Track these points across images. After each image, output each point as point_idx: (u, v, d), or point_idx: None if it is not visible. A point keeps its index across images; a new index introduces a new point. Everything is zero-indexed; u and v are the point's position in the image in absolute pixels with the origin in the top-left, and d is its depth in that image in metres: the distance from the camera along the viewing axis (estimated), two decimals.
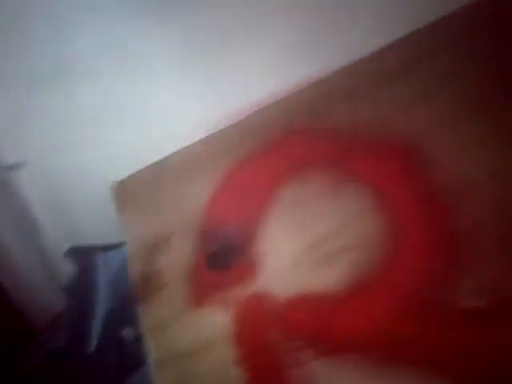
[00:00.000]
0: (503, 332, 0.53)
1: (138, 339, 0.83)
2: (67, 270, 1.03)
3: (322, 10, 0.83)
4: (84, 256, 0.98)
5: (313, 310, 0.63)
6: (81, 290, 0.98)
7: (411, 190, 0.68)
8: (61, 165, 0.88)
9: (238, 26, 0.83)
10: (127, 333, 0.94)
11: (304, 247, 0.67)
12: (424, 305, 0.58)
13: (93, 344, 0.95)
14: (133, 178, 0.87)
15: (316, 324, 0.62)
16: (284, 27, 0.85)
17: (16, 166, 0.84)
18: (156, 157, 0.87)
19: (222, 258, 0.71)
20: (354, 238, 0.66)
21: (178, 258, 0.74)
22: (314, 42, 0.86)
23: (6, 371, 0.97)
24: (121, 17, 0.76)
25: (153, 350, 0.68)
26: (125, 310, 0.93)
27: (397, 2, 0.81)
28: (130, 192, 0.86)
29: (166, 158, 0.87)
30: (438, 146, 0.70)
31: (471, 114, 0.71)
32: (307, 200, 0.71)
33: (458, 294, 0.57)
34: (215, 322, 0.66)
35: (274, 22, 0.84)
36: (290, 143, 0.79)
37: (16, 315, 1.06)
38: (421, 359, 0.55)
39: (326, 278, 0.64)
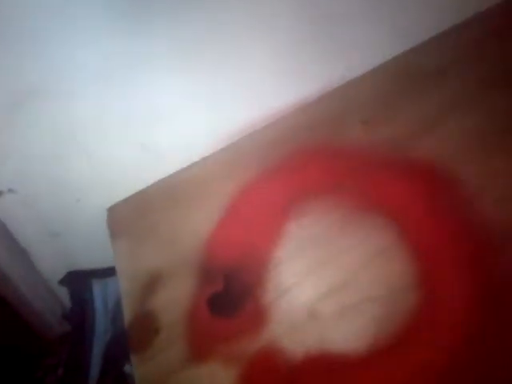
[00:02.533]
0: None
1: None
2: (66, 296, 0.94)
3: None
4: (80, 284, 0.89)
5: (331, 372, 0.52)
6: (78, 320, 0.89)
7: (441, 225, 0.57)
8: (51, 191, 0.79)
9: (249, 36, 0.75)
10: (129, 369, 0.85)
11: (321, 294, 0.56)
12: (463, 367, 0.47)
13: (93, 378, 0.86)
14: (126, 202, 0.77)
15: None
16: (298, 40, 0.77)
17: (3, 193, 0.76)
18: (150, 180, 0.77)
19: (227, 300, 0.61)
20: (376, 284, 0.55)
21: (175, 298, 0.64)
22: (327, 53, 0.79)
23: None
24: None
25: None
26: (126, 343, 0.82)
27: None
28: (123, 218, 0.76)
29: (162, 180, 0.77)
30: (469, 172, 0.59)
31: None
32: (322, 235, 0.60)
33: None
34: (217, 381, 0.55)
35: (286, 34, 0.76)
36: (301, 165, 0.68)
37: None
38: None
39: (345, 333, 0.54)
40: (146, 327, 0.63)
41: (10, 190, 0.77)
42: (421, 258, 0.55)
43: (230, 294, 0.61)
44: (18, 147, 0.73)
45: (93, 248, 0.86)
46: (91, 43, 0.67)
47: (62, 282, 0.91)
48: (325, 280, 0.57)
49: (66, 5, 0.63)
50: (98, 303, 0.89)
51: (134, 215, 0.75)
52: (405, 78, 0.75)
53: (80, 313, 0.88)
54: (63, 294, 0.96)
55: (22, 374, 0.93)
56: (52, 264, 0.92)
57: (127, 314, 0.66)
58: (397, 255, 0.57)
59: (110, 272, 0.89)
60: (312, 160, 0.69)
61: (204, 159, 0.79)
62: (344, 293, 0.56)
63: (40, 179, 0.78)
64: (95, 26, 0.66)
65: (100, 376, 0.87)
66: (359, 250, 0.58)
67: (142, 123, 0.77)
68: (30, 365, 0.94)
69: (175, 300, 0.63)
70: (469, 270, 0.53)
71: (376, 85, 0.78)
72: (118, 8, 0.65)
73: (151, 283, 0.66)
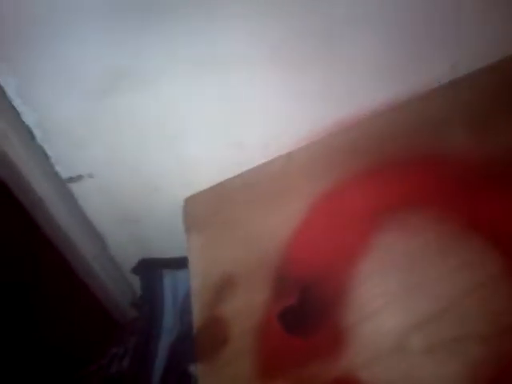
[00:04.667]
0: None
1: None
2: (137, 283, 0.93)
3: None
4: (151, 275, 0.87)
5: None
6: (147, 313, 0.87)
7: None
8: (130, 178, 0.77)
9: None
10: (193, 369, 0.82)
11: (410, 326, 0.48)
12: None
13: (157, 375, 0.83)
14: (204, 194, 0.73)
15: None
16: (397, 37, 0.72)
17: (84, 178, 0.75)
18: (231, 173, 0.72)
19: (302, 317, 0.55)
20: (478, 320, 0.46)
21: (246, 306, 0.59)
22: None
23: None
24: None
25: None
26: (192, 343, 0.79)
27: None
28: (199, 211, 0.72)
29: (243, 174, 0.71)
30: None
31: None
32: (417, 254, 0.52)
33: None
34: None
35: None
36: (396, 172, 0.60)
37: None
38: None
39: (436, 373, 0.46)
40: (214, 335, 0.59)
41: (90, 175, 0.76)
42: None
43: (305, 310, 0.55)
44: (101, 133, 0.71)
45: (168, 237, 0.84)
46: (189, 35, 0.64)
47: (135, 270, 0.90)
48: (417, 307, 0.50)
49: None
50: (168, 296, 0.86)
51: (210, 209, 0.71)
52: None
53: (149, 303, 0.86)
54: (135, 280, 0.94)
55: (87, 359, 0.92)
56: (126, 250, 0.91)
57: (196, 317, 0.62)
58: (506, 286, 0.48)
59: (182, 263, 0.86)
60: (409, 167, 0.61)
61: (288, 154, 0.73)
62: (439, 325, 0.48)
63: (120, 166, 0.76)
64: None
65: (164, 372, 0.84)
66: (461, 275, 0.50)
67: (228, 117, 0.73)
68: (97, 351, 0.93)
69: (246, 309, 0.58)
70: None
71: (483, 86, 0.68)
72: None
73: (223, 286, 0.61)
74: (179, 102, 0.71)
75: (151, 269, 0.88)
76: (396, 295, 0.51)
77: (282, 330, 0.54)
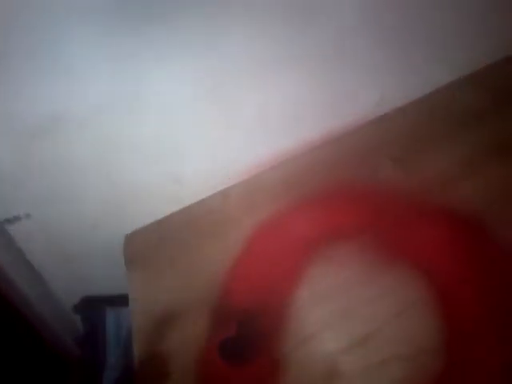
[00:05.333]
0: None
1: None
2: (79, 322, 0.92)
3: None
4: (93, 313, 0.87)
5: None
6: (89, 350, 0.86)
7: (477, 280, 0.52)
8: (67, 217, 0.78)
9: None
10: None
11: (342, 348, 0.52)
12: None
13: None
14: (144, 231, 0.74)
15: None
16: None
17: (21, 219, 0.75)
18: (171, 209, 0.74)
19: (240, 348, 0.57)
20: (403, 342, 0.50)
21: (187, 339, 0.60)
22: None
23: None
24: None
25: None
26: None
27: None
28: (140, 249, 0.73)
29: (182, 210, 0.74)
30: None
31: None
32: (347, 283, 0.56)
33: None
34: None
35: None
36: (327, 203, 0.64)
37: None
38: None
39: None
40: (156, 370, 0.60)
41: (27, 216, 0.75)
42: (453, 316, 0.51)
43: (243, 340, 0.57)
44: (35, 173, 0.71)
45: (109, 274, 0.84)
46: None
47: (76, 308, 0.89)
48: (347, 332, 0.53)
49: None
50: (110, 333, 0.86)
51: (151, 245, 0.72)
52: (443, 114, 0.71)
53: (92, 341, 0.86)
54: (77, 318, 0.93)
55: None
56: (67, 288, 0.90)
57: (138, 352, 0.62)
58: (426, 310, 0.53)
59: (125, 300, 0.86)
60: (339, 199, 0.65)
61: (226, 190, 0.76)
62: (368, 348, 0.52)
63: (56, 204, 0.76)
64: None
65: None
66: (385, 301, 0.54)
67: (170, 153, 0.75)
68: None
69: (187, 342, 0.60)
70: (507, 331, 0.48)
71: (410, 120, 0.74)
72: None
73: (164, 321, 0.62)
74: (116, 139, 0.72)
75: (93, 307, 0.88)
76: (327, 322, 0.55)
77: (221, 360, 0.56)
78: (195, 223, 0.73)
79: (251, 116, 0.75)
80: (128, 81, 0.66)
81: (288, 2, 0.67)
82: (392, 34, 0.74)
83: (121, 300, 0.88)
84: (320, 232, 0.62)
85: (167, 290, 0.66)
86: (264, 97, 0.74)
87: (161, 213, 0.76)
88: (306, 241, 0.62)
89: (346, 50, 0.74)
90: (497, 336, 0.48)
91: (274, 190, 0.71)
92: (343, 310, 0.54)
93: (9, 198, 0.73)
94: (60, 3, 0.57)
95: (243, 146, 0.77)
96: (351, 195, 0.65)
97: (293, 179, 0.72)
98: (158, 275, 0.69)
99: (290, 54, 0.72)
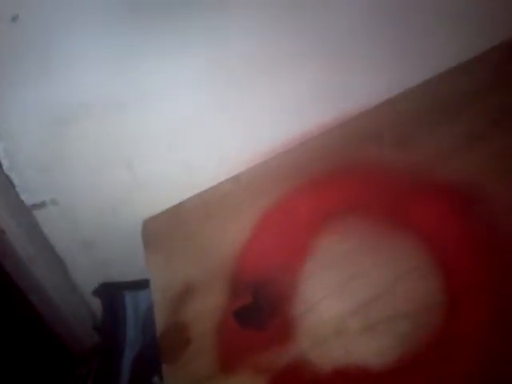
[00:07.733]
0: None
1: None
2: (99, 306, 0.97)
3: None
4: (113, 295, 0.92)
5: None
6: (110, 330, 0.91)
7: (470, 241, 0.57)
8: (90, 203, 0.83)
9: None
10: (157, 381, 0.86)
11: (348, 311, 0.57)
12: None
13: None
14: (161, 216, 0.80)
15: None
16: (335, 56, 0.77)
17: (47, 204, 0.80)
18: (186, 195, 0.79)
19: (255, 314, 0.62)
20: (403, 303, 0.56)
21: (206, 309, 0.65)
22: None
23: None
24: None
25: None
26: (155, 354, 0.84)
27: None
28: (157, 232, 0.78)
29: (198, 194, 0.79)
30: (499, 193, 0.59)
31: None
32: (353, 251, 0.61)
33: None
34: None
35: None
36: (333, 183, 0.69)
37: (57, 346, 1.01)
38: None
39: (370, 349, 0.54)
40: (177, 337, 0.65)
41: (53, 201, 0.80)
42: (449, 276, 0.56)
43: (257, 307, 0.62)
44: (61, 158, 0.76)
45: (127, 259, 0.89)
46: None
47: (96, 292, 0.94)
48: (352, 296, 0.58)
49: None
50: (130, 313, 0.91)
51: (168, 228, 0.77)
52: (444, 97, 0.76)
53: (112, 324, 0.91)
54: (95, 305, 0.98)
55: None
56: (87, 274, 0.94)
57: (159, 325, 0.67)
58: (425, 273, 0.58)
59: (142, 284, 0.91)
60: (346, 178, 0.70)
61: (238, 175, 0.81)
62: (372, 309, 0.57)
63: (80, 190, 0.81)
64: None
65: None
66: (390, 266, 0.59)
67: (184, 139, 0.80)
68: (62, 375, 0.95)
69: (206, 311, 0.65)
70: (496, 285, 0.54)
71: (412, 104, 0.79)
72: None
73: (183, 294, 0.68)
74: (133, 132, 0.77)
75: (112, 290, 0.93)
76: (335, 287, 0.60)
77: (238, 326, 0.61)
78: (209, 207, 0.78)
79: (261, 105, 0.79)
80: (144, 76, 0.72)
81: None
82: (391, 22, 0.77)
83: (139, 285, 0.93)
84: (328, 208, 0.67)
85: (184, 267, 0.71)
86: (275, 87, 0.78)
87: (176, 198, 0.81)
88: (315, 216, 0.67)
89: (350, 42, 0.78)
90: (495, 292, 0.53)
91: (284, 173, 0.76)
92: (350, 276, 0.60)
93: (37, 184, 0.77)
94: None
95: (251, 134, 0.81)
96: (357, 175, 0.70)
97: (302, 163, 0.77)
98: (174, 255, 0.74)
99: (297, 51, 0.76)
